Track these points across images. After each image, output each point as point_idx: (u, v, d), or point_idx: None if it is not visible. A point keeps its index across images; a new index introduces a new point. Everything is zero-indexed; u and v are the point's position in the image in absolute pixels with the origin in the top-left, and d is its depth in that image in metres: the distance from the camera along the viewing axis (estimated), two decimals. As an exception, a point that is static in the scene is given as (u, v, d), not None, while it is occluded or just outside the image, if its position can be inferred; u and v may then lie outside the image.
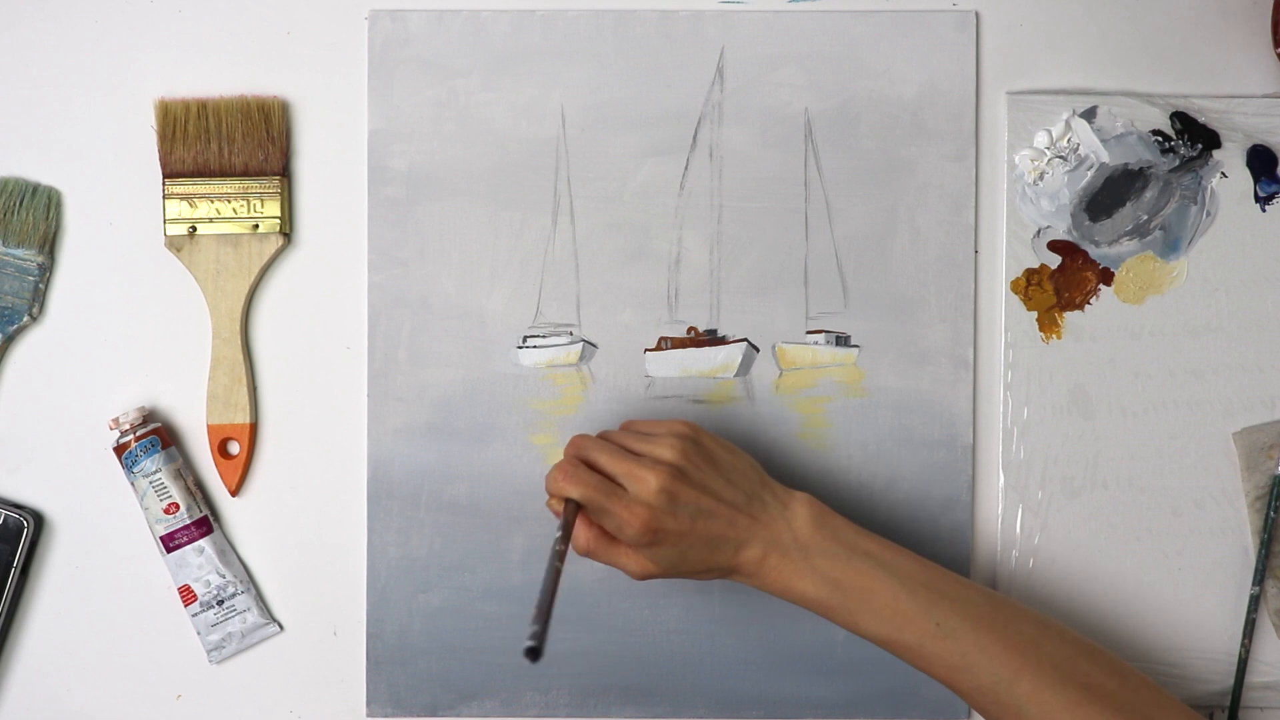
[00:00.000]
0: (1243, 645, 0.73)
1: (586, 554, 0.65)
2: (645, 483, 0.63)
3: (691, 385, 0.73)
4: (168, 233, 0.73)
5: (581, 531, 0.64)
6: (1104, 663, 0.63)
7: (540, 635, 0.57)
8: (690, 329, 0.73)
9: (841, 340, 0.73)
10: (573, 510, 0.64)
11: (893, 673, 0.73)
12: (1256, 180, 0.73)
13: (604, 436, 0.67)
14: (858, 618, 0.63)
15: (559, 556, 0.61)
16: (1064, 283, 0.73)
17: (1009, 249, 0.73)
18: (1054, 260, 0.73)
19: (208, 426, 0.73)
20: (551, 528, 0.71)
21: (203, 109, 0.73)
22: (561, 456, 0.73)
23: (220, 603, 0.72)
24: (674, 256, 0.74)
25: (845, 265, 0.73)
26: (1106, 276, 0.73)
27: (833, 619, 0.64)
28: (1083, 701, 0.61)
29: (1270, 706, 0.73)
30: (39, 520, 0.73)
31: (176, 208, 0.73)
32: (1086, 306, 0.73)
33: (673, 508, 0.63)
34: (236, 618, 0.73)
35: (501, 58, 0.73)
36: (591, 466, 0.65)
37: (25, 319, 0.73)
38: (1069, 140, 0.73)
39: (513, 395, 0.73)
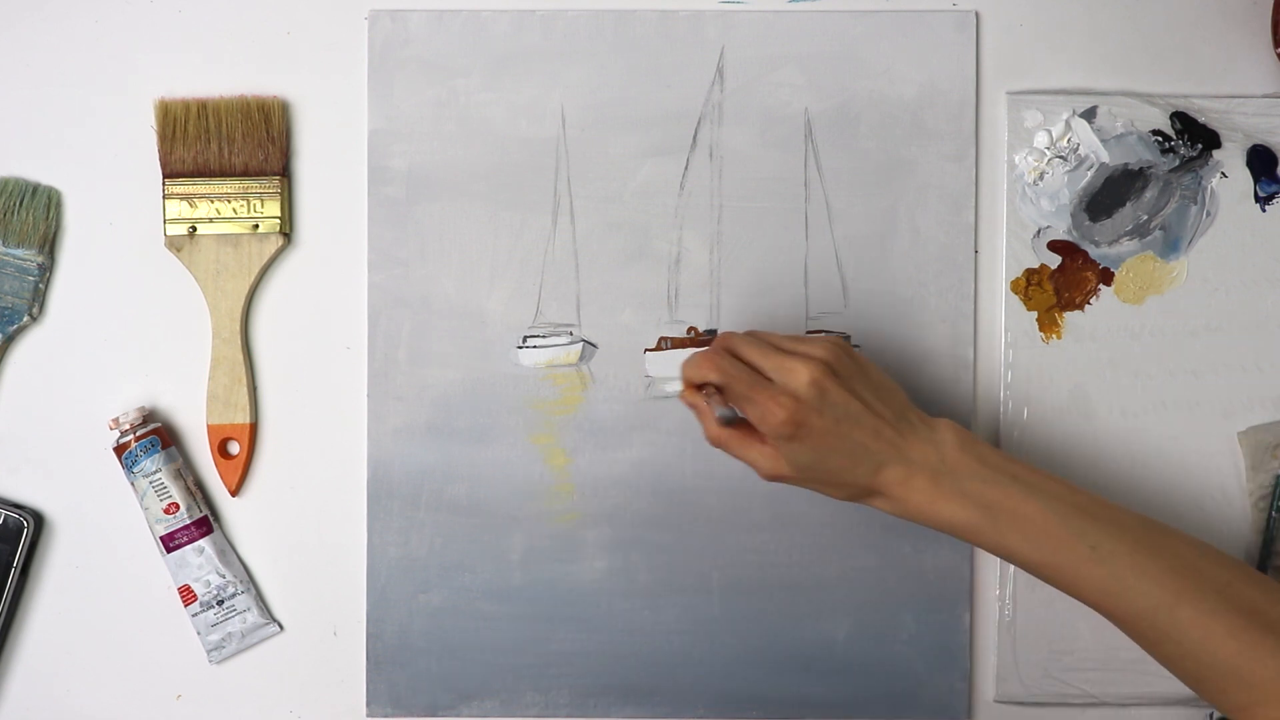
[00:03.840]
0: (1243, 645, 0.72)
1: (717, 444, 0.63)
2: (796, 374, 0.61)
3: (691, 385, 0.73)
4: (168, 233, 0.73)
5: (714, 421, 0.63)
6: (1266, 588, 0.60)
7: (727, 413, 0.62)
8: (690, 329, 0.73)
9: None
10: (715, 396, 0.62)
11: (893, 673, 0.73)
12: (1256, 180, 0.73)
13: (752, 335, 0.65)
14: (1009, 542, 0.62)
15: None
16: (1064, 283, 0.73)
17: (1009, 249, 0.73)
18: (1054, 260, 0.73)
19: (208, 426, 0.73)
20: (550, 525, 0.72)
21: (203, 109, 0.73)
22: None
23: (220, 603, 0.72)
24: (674, 256, 0.74)
25: (845, 265, 0.73)
26: (1106, 276, 0.73)
27: (978, 542, 0.62)
28: (1247, 627, 0.58)
29: (1270, 707, 0.73)
30: (39, 520, 0.73)
31: (176, 208, 0.73)
32: (1086, 306, 0.73)
33: (821, 404, 0.61)
34: (236, 618, 0.73)
35: (501, 58, 0.73)
36: (738, 359, 0.63)
37: (25, 319, 0.73)
38: (1069, 140, 0.73)
39: (513, 395, 0.73)
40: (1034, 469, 0.64)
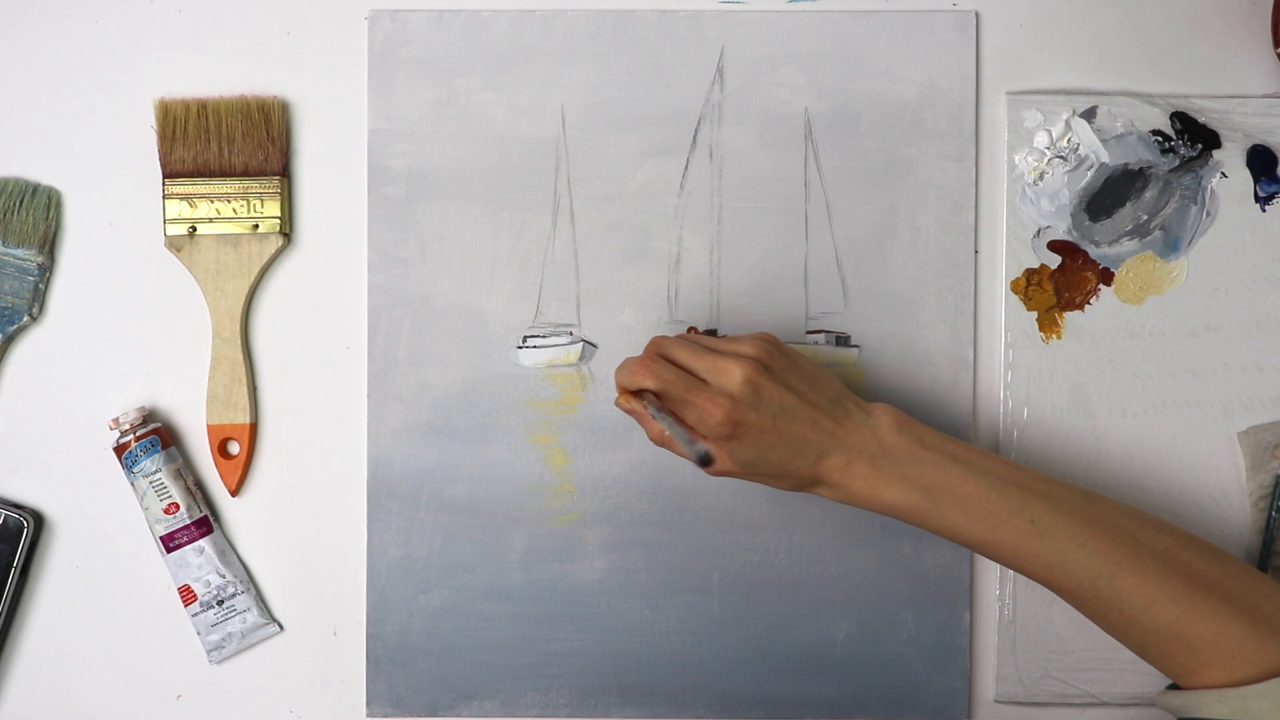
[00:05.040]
0: (1243, 645, 0.72)
1: (661, 444, 0.64)
2: (730, 374, 0.62)
3: (691, 385, 0.73)
4: (168, 233, 0.73)
5: (653, 424, 0.63)
6: (1204, 551, 0.61)
7: (702, 449, 0.61)
8: (690, 329, 0.73)
9: (841, 340, 0.73)
10: (654, 401, 0.63)
11: (893, 673, 0.73)
12: (1256, 180, 0.73)
13: (682, 338, 0.66)
14: (950, 521, 0.62)
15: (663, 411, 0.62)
16: (1064, 283, 0.73)
17: (1009, 249, 0.73)
18: (1054, 260, 0.73)
19: (208, 426, 0.73)
20: (551, 525, 0.72)
21: (203, 109, 0.73)
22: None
23: (220, 603, 0.72)
24: (674, 256, 0.74)
25: (845, 265, 0.73)
26: (1106, 276, 0.73)
27: (923, 525, 0.63)
28: (1187, 591, 0.59)
29: (1270, 707, 0.73)
30: (39, 520, 0.73)
31: (176, 208, 0.73)
32: (1086, 306, 0.73)
33: (756, 401, 0.61)
34: (236, 618, 0.73)
35: (501, 58, 0.73)
36: (671, 363, 0.64)
37: (25, 319, 0.73)
38: (1069, 140, 0.73)
39: (513, 395, 0.73)
40: (972, 448, 0.64)
